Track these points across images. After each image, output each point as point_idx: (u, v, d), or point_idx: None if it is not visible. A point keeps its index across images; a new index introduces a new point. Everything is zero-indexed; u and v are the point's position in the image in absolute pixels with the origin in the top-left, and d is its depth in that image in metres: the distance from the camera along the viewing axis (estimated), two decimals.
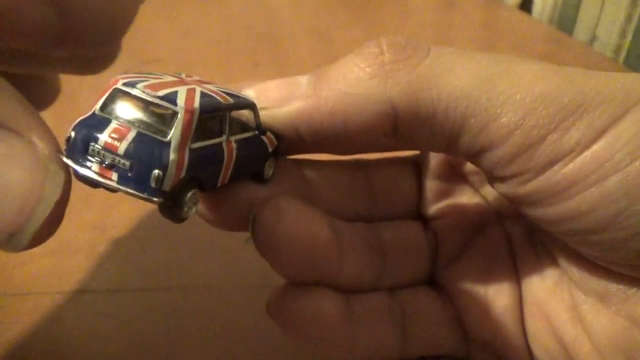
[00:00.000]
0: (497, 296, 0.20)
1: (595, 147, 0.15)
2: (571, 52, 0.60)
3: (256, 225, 0.16)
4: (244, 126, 0.16)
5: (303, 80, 0.17)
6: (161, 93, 0.13)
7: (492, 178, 0.17)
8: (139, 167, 0.12)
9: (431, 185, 0.22)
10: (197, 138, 0.13)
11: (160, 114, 0.13)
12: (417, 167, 0.23)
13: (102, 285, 0.25)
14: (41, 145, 0.11)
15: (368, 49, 0.16)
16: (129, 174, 0.12)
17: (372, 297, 0.20)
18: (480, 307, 0.20)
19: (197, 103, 0.13)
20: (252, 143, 0.16)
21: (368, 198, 0.21)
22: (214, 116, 0.14)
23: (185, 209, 0.14)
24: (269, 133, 0.17)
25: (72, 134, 0.13)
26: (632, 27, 0.58)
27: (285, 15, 0.69)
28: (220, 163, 0.15)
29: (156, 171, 0.12)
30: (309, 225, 0.17)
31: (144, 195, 0.12)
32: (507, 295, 0.20)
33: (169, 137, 0.12)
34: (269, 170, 0.18)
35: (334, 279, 0.18)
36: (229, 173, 0.15)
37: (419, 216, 0.23)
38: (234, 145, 0.15)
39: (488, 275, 0.20)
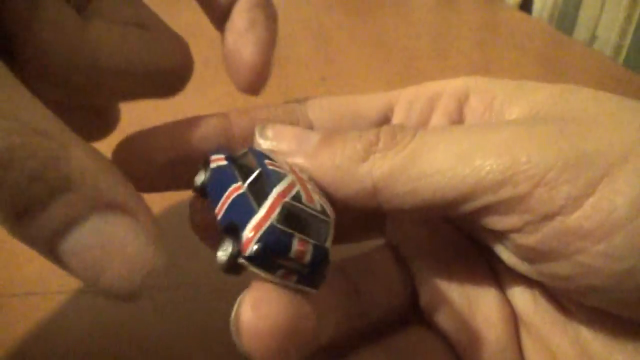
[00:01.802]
0: (489, 330, 0.19)
1: (592, 200, 0.14)
2: (571, 52, 0.60)
3: (237, 323, 0.14)
4: None
5: (314, 138, 0.18)
6: (317, 206, 0.15)
7: (490, 233, 0.17)
8: (315, 269, 0.15)
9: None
10: None
11: (320, 223, 0.15)
12: None
13: None
14: (149, 224, 0.14)
15: (367, 135, 0.18)
16: (306, 275, 0.14)
17: (367, 356, 0.19)
18: (472, 341, 0.19)
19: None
20: None
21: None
22: None
23: None
24: None
25: (258, 245, 0.14)
26: (632, 27, 0.58)
27: (285, 15, 0.69)
28: None
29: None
30: (292, 317, 0.14)
31: (313, 290, 0.15)
32: (501, 328, 0.19)
33: (327, 244, 0.15)
34: None
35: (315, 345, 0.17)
36: None
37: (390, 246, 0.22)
38: None
39: (474, 310, 0.19)
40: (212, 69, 0.21)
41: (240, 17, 0.20)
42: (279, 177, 0.15)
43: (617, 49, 0.60)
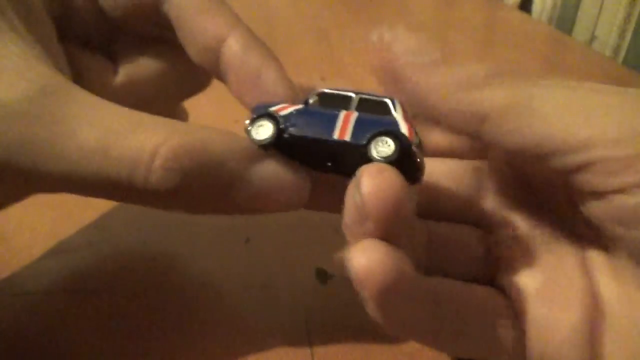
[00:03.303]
0: (566, 313, 0.18)
1: None
2: (571, 52, 0.60)
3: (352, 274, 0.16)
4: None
5: (434, 52, 0.19)
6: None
7: (590, 195, 0.17)
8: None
9: (496, 191, 0.22)
10: None
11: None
12: (482, 174, 0.22)
13: (102, 285, 0.25)
14: (285, 160, 0.19)
15: (491, 66, 0.18)
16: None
17: (435, 281, 0.19)
18: (543, 321, 0.18)
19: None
20: None
21: (426, 199, 0.21)
22: None
23: None
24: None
25: (417, 135, 0.19)
26: (631, 27, 0.58)
27: (285, 15, 0.69)
28: None
29: None
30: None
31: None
32: (578, 314, 0.18)
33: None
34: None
35: None
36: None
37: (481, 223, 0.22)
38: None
39: (555, 290, 0.19)
40: None
41: (246, 61, 0.21)
42: (380, 98, 0.19)
43: (617, 49, 0.60)
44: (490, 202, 0.22)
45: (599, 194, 0.16)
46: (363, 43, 0.17)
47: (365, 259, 0.15)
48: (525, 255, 0.20)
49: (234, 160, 0.17)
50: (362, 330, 0.23)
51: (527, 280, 0.19)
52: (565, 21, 0.68)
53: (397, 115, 0.18)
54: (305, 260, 0.27)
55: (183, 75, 0.24)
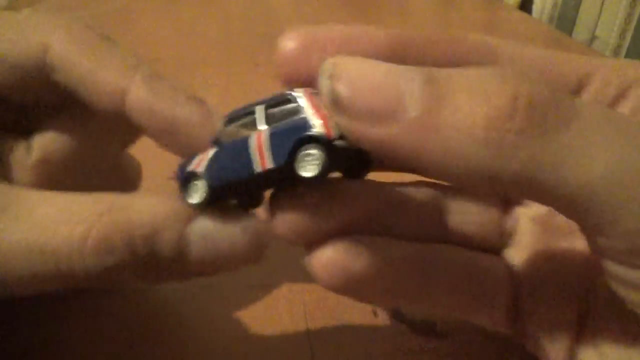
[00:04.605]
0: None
1: None
2: (571, 52, 0.60)
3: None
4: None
5: (413, 91, 0.13)
6: None
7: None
8: None
9: (526, 225, 0.20)
10: None
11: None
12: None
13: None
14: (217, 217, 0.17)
15: (498, 99, 0.12)
16: None
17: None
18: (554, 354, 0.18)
19: None
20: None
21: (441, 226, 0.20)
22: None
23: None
24: None
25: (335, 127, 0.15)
26: (631, 27, 0.58)
27: (285, 15, 0.69)
28: None
29: None
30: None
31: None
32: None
33: None
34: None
35: None
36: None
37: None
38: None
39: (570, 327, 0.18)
40: (211, 66, 0.21)
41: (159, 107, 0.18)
42: (282, 96, 0.16)
43: (617, 49, 0.60)
44: (519, 236, 0.20)
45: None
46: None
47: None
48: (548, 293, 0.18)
49: (167, 226, 0.16)
50: (362, 329, 0.23)
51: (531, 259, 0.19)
52: (565, 21, 0.68)
53: (306, 110, 0.15)
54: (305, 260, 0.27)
55: (109, 130, 0.22)
